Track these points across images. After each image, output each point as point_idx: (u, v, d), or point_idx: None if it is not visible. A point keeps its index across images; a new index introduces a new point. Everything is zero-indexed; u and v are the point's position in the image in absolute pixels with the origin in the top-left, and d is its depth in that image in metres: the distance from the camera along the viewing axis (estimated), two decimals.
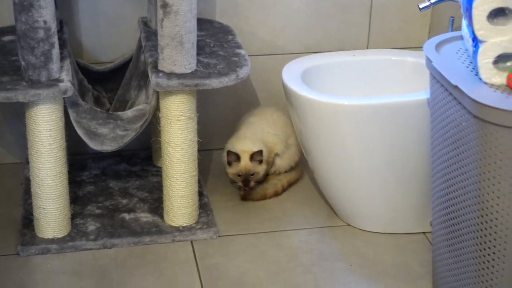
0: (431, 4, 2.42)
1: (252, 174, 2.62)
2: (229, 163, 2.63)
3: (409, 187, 2.45)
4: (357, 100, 2.36)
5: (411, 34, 2.91)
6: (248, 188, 2.64)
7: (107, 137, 2.36)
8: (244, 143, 2.64)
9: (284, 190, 2.75)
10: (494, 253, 1.88)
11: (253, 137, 2.66)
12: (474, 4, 1.82)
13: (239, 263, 2.38)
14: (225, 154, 2.65)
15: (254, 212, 2.63)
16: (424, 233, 2.52)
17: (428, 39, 2.74)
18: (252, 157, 2.61)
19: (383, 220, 2.52)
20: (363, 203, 2.51)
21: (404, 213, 2.50)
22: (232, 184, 2.71)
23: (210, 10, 2.74)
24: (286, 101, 2.55)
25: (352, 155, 2.41)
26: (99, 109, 2.38)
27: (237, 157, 2.61)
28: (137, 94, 2.53)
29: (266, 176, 2.73)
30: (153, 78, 2.27)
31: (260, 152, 2.62)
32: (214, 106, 2.88)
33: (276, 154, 2.72)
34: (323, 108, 2.36)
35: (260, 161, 2.63)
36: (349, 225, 2.57)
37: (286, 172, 2.78)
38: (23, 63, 2.20)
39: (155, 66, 2.32)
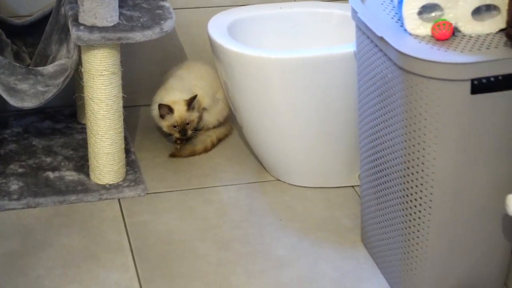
0: None
1: (188, 123, 2.58)
2: (162, 116, 2.58)
3: (337, 141, 2.44)
4: (284, 54, 2.33)
5: None
6: (186, 138, 2.60)
7: (28, 93, 2.28)
8: (174, 94, 2.60)
9: (213, 146, 2.71)
10: (420, 204, 1.90)
11: (182, 88, 2.62)
12: None
13: (167, 220, 2.35)
14: (155, 107, 2.59)
15: (182, 169, 2.60)
16: (353, 186, 2.53)
17: None
18: (189, 105, 2.56)
19: (312, 175, 2.52)
20: (292, 158, 2.49)
21: (333, 167, 2.50)
22: (167, 138, 2.66)
23: None
24: (212, 56, 2.51)
25: (280, 110, 2.39)
26: (18, 64, 2.30)
27: (170, 109, 2.56)
28: (58, 48, 2.45)
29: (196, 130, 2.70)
30: (73, 32, 2.20)
31: (194, 97, 2.57)
32: (139, 61, 2.82)
33: (204, 109, 2.68)
34: (249, 61, 2.33)
35: (193, 108, 2.59)
36: (278, 180, 2.56)
37: (214, 127, 2.74)
38: None
39: (75, 19, 2.25)
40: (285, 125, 2.42)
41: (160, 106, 2.56)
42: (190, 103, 2.57)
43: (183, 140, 2.63)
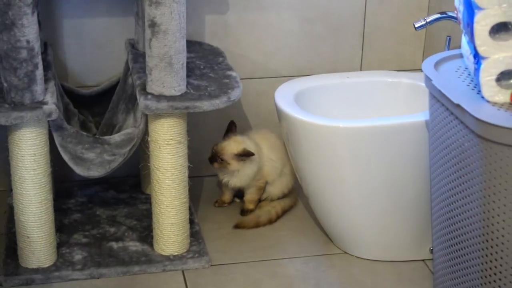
0: (427, 23, 2.36)
1: (221, 158, 2.54)
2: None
3: (407, 212, 2.37)
4: (353, 122, 2.29)
5: (405, 56, 2.86)
6: (211, 164, 2.57)
7: (94, 162, 2.28)
8: (244, 141, 2.58)
9: (278, 217, 2.66)
10: (500, 279, 1.80)
11: (253, 147, 2.58)
12: (476, 19, 1.76)
13: None
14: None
15: (247, 240, 2.54)
16: (423, 260, 2.44)
17: (423, 60, 2.70)
18: (240, 154, 2.53)
19: (380, 248, 2.44)
20: (360, 230, 2.43)
21: (403, 240, 2.42)
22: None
23: (199, 32, 2.68)
24: (277, 126, 2.48)
25: (348, 180, 2.33)
26: (85, 133, 2.30)
27: (227, 133, 2.59)
28: (125, 117, 2.45)
29: (258, 201, 2.66)
30: (141, 101, 2.19)
31: (249, 154, 2.53)
32: (204, 130, 2.81)
33: (267, 182, 2.65)
34: (317, 130, 2.29)
35: (241, 160, 2.55)
36: (346, 253, 2.49)
37: (279, 198, 2.70)
38: (5, 84, 2.12)
39: (143, 88, 2.25)
40: (352, 195, 2.36)
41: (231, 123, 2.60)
42: (243, 154, 2.53)
43: (212, 162, 2.58)
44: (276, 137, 2.67)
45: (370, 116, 2.53)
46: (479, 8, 1.75)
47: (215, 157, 2.56)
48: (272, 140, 2.67)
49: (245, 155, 2.54)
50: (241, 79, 2.44)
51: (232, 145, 2.56)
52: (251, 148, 2.56)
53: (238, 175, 2.60)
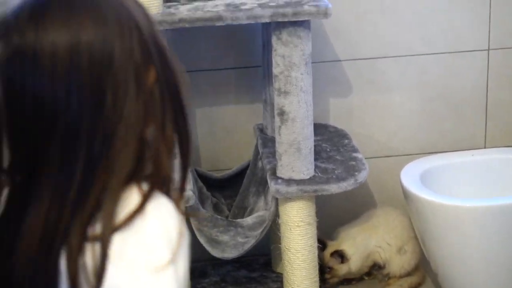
0: None
1: (329, 268, 2.62)
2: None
3: None
4: (479, 202, 2.31)
5: None
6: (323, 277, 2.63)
7: (228, 244, 2.38)
8: (348, 242, 2.66)
9: None
10: None
11: (360, 242, 2.66)
12: None
13: None
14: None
15: None
16: None
17: None
18: (332, 253, 2.62)
19: None
20: None
21: None
22: None
23: (324, 115, 2.77)
24: (403, 203, 2.52)
25: (477, 259, 2.34)
26: (219, 217, 2.41)
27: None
28: (256, 200, 2.55)
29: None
30: (272, 185, 2.29)
31: (340, 253, 2.62)
32: (332, 210, 2.87)
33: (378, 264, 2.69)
34: (445, 210, 2.32)
35: (342, 260, 2.62)
36: None
37: (401, 276, 2.70)
38: None
39: (273, 173, 2.35)
40: (482, 273, 2.37)
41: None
42: (334, 253, 2.62)
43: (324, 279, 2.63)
44: (399, 213, 2.70)
45: (496, 195, 2.54)
46: None
47: (324, 269, 2.62)
48: (392, 219, 2.70)
49: (336, 253, 2.62)
50: (366, 158, 2.51)
51: (329, 250, 2.64)
52: (348, 247, 2.64)
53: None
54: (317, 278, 2.41)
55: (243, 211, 2.59)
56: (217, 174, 2.76)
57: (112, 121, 1.04)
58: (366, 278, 2.78)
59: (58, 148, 1.03)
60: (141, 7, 1.10)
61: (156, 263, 1.02)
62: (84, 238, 1.02)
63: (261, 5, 2.19)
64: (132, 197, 1.05)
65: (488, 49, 2.76)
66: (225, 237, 2.38)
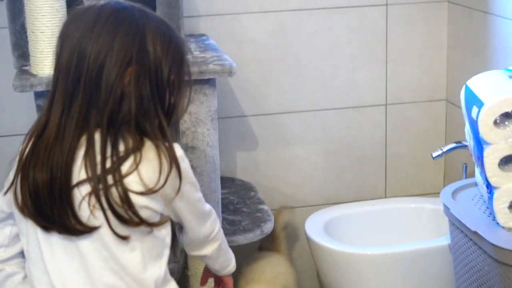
0: (443, 152, 2.50)
1: None
2: None
3: None
4: (379, 249, 2.42)
5: (426, 181, 2.99)
6: None
7: None
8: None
9: None
10: None
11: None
12: (485, 153, 1.91)
13: None
14: None
15: None
16: None
17: (444, 185, 2.84)
18: None
19: None
20: None
21: None
22: None
23: (231, 168, 2.84)
24: (308, 252, 2.60)
25: None
26: None
27: None
28: None
29: None
30: (181, 238, 2.34)
31: None
32: (241, 260, 2.92)
33: None
34: (346, 258, 2.42)
35: None
36: None
37: None
38: None
39: (182, 226, 2.39)
40: None
41: None
42: None
43: None
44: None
45: (396, 242, 2.65)
46: (487, 144, 1.90)
47: None
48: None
49: None
50: (272, 209, 2.59)
51: None
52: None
53: None
54: None
55: None
56: None
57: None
58: None
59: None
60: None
61: None
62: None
63: None
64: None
65: (386, 104, 2.90)
66: None
